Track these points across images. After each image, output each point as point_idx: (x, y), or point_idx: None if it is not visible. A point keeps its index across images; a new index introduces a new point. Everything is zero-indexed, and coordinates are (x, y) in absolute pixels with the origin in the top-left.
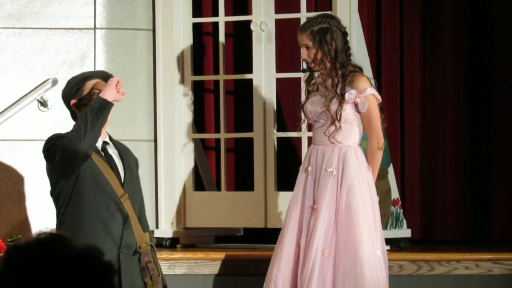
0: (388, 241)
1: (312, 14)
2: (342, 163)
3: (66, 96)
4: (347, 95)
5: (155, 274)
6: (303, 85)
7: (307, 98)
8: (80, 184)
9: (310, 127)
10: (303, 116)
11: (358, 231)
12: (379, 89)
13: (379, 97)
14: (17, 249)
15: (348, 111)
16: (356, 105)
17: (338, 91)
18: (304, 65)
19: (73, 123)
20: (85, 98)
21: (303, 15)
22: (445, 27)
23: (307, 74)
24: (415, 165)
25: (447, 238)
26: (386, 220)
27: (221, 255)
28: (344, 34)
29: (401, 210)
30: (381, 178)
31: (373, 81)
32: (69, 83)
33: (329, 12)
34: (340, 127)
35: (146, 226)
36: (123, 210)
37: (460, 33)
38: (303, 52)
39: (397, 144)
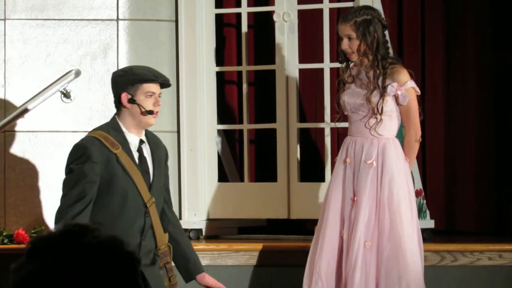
0: None
1: (335, 5)
2: (381, 155)
3: (120, 84)
4: (389, 88)
5: (173, 275)
6: (326, 75)
7: (342, 89)
8: (104, 197)
9: (334, 119)
10: (336, 107)
11: (401, 223)
12: None
13: (418, 89)
14: (40, 240)
15: (389, 103)
16: (396, 98)
17: (379, 83)
18: (342, 56)
19: (114, 111)
20: (138, 99)
21: (326, 5)
22: (468, 19)
23: (344, 65)
24: (437, 155)
25: (469, 228)
26: None
27: (244, 246)
28: (384, 27)
29: (424, 201)
30: None
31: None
32: (127, 73)
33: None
34: (381, 119)
35: (173, 219)
36: (144, 219)
37: (482, 25)
38: (345, 42)
39: None
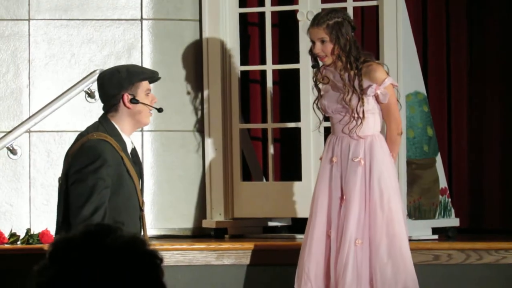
0: (436, 230)
1: (359, 3)
2: (369, 153)
3: (119, 84)
4: (369, 90)
5: None
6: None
7: (320, 93)
8: (111, 200)
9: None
10: (318, 111)
11: (392, 220)
12: (425, 78)
13: (395, 82)
14: (62, 241)
15: (370, 101)
16: (376, 97)
17: (356, 85)
18: (313, 60)
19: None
20: (140, 98)
21: (350, 4)
22: (492, 13)
23: (315, 69)
24: (462, 153)
25: (495, 226)
26: (434, 210)
27: (268, 245)
28: (353, 28)
29: (449, 199)
30: (429, 167)
31: (385, 67)
32: (124, 73)
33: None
34: (361, 123)
35: None
36: (140, 222)
37: (507, 18)
38: (318, 46)
39: (444, 133)
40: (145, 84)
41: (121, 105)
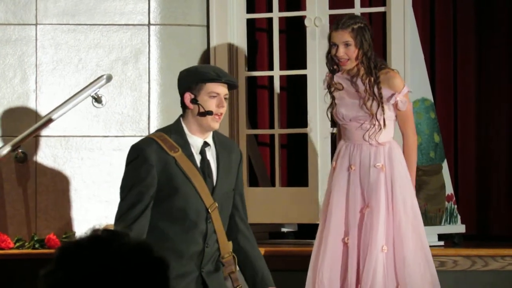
0: (442, 236)
1: (366, 9)
2: (388, 159)
3: (184, 84)
4: (392, 99)
5: (238, 285)
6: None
7: (334, 101)
8: (166, 202)
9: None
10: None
11: (418, 225)
12: (433, 84)
13: (409, 89)
14: (68, 246)
15: (390, 108)
16: (395, 104)
17: (376, 92)
18: (330, 65)
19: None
20: (201, 99)
21: (357, 10)
22: (500, 19)
23: (328, 75)
24: (469, 160)
25: (502, 233)
26: (441, 216)
27: (275, 251)
28: (371, 34)
29: (455, 206)
30: (435, 174)
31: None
32: (191, 72)
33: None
34: (381, 129)
35: (243, 229)
36: (206, 226)
37: None
38: (341, 49)
39: (451, 139)
40: (209, 86)
41: (186, 105)
